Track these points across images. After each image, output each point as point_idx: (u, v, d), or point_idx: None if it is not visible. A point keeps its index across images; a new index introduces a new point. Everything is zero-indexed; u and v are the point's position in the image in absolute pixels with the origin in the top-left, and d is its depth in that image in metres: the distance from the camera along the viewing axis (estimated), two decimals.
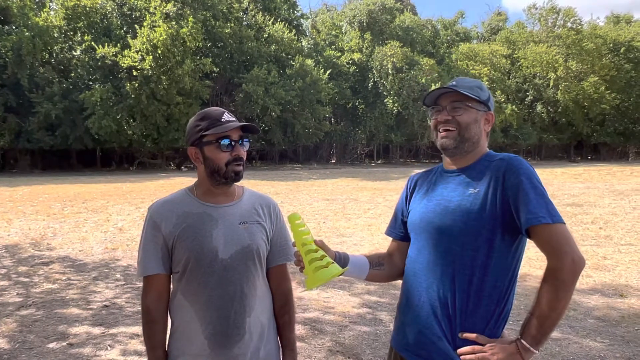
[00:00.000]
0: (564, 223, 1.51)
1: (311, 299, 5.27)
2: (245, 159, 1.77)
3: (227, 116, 1.73)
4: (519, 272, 1.66)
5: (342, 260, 1.75)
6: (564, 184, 19.02)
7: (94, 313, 4.89)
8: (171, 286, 1.83)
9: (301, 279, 5.65)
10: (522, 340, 1.49)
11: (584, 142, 45.07)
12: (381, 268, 1.86)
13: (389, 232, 1.95)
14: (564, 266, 1.46)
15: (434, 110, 1.73)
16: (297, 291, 5.39)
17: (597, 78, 39.58)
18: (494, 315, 1.59)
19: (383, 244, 8.22)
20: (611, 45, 41.07)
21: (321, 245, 1.66)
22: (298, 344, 4.13)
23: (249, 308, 1.75)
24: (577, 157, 44.10)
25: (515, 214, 1.54)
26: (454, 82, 1.71)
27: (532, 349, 1.48)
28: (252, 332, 1.76)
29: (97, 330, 4.43)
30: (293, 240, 1.65)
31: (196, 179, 1.84)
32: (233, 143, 1.71)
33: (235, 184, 1.84)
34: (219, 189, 1.78)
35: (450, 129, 1.67)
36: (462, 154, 1.70)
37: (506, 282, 1.60)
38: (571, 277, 1.47)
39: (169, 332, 1.82)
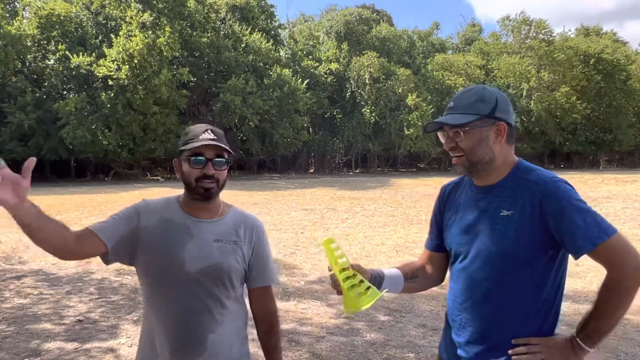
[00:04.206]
0: (617, 230, 1.46)
1: (288, 310, 5.27)
2: (221, 178, 1.75)
3: (207, 134, 1.73)
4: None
5: (377, 279, 1.73)
6: None
7: (67, 328, 4.80)
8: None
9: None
10: (578, 339, 1.50)
11: (557, 150, 46.08)
12: (415, 280, 1.84)
13: (427, 245, 1.91)
14: (627, 276, 1.44)
15: (441, 134, 1.67)
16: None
17: (568, 88, 40.64)
18: (544, 324, 1.58)
19: (360, 253, 8.26)
20: (581, 56, 42.25)
21: (358, 269, 1.63)
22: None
23: (212, 325, 1.75)
24: (551, 166, 44.95)
25: (561, 240, 1.49)
26: (450, 104, 1.64)
27: (587, 347, 1.49)
28: (215, 350, 1.76)
29: (70, 346, 4.35)
30: (329, 264, 1.64)
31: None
32: (205, 161, 1.72)
33: (223, 201, 1.86)
34: (196, 204, 1.79)
35: (458, 154, 1.61)
36: (481, 174, 1.63)
37: (552, 293, 1.58)
38: (635, 284, 1.45)
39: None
